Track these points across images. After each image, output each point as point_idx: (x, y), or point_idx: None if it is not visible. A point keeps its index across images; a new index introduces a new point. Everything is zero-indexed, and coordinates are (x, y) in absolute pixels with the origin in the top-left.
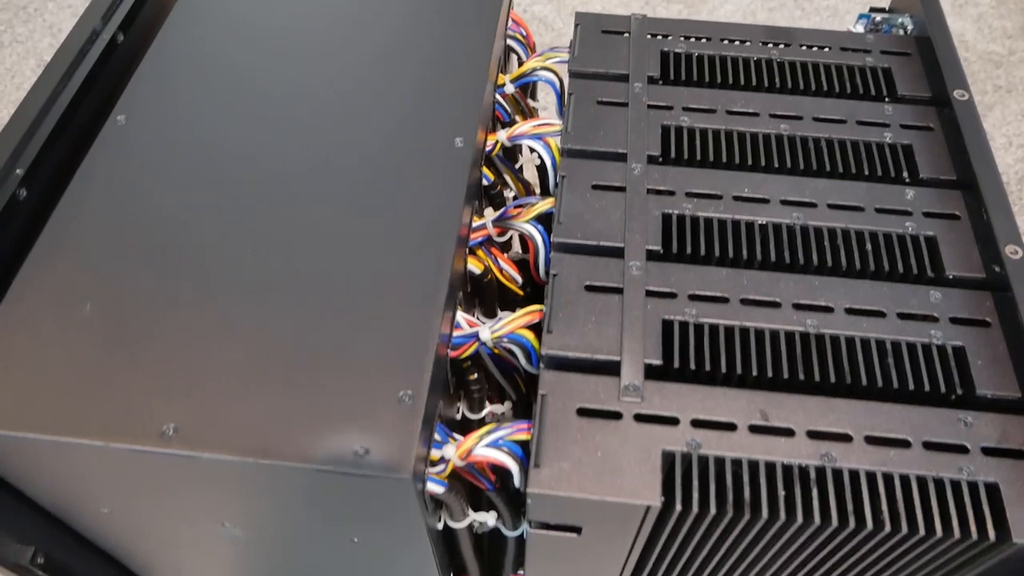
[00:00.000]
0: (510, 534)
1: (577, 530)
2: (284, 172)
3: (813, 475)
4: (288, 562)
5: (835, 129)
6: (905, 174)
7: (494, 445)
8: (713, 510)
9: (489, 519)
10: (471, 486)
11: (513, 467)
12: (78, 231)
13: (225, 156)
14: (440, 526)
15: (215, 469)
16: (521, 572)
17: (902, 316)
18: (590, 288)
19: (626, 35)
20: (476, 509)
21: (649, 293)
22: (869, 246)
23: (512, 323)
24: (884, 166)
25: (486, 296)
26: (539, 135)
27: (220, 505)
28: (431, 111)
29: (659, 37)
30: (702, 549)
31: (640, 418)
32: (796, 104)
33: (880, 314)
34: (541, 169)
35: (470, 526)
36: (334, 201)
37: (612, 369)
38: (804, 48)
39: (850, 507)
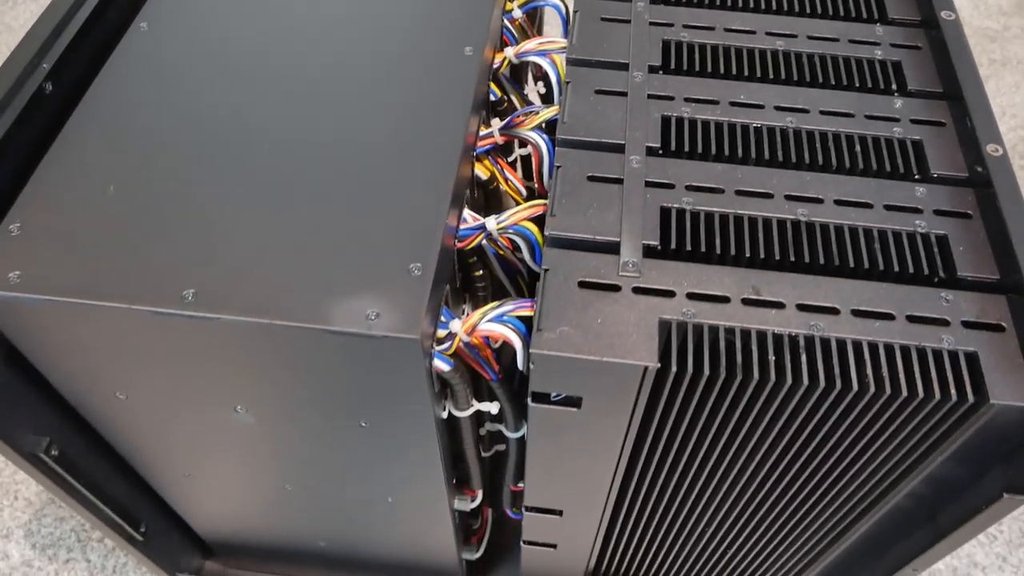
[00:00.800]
0: (511, 435)
1: (577, 403)
2: (301, 74)
3: (802, 343)
4: (297, 457)
5: (828, 47)
6: (894, 87)
7: (498, 320)
8: (707, 371)
9: (492, 408)
10: (475, 378)
11: (516, 342)
12: (101, 122)
13: (242, 59)
14: (445, 414)
15: (232, 334)
16: (521, 484)
17: (888, 207)
18: (592, 178)
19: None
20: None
21: (648, 183)
22: (858, 147)
23: (517, 215)
24: (874, 80)
25: (491, 205)
26: (544, 51)
27: (234, 385)
28: (444, 23)
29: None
30: (695, 426)
31: (638, 291)
32: (791, 23)
33: (868, 205)
34: (546, 93)
35: (475, 432)
36: (351, 99)
37: (612, 249)
38: None
39: (837, 371)
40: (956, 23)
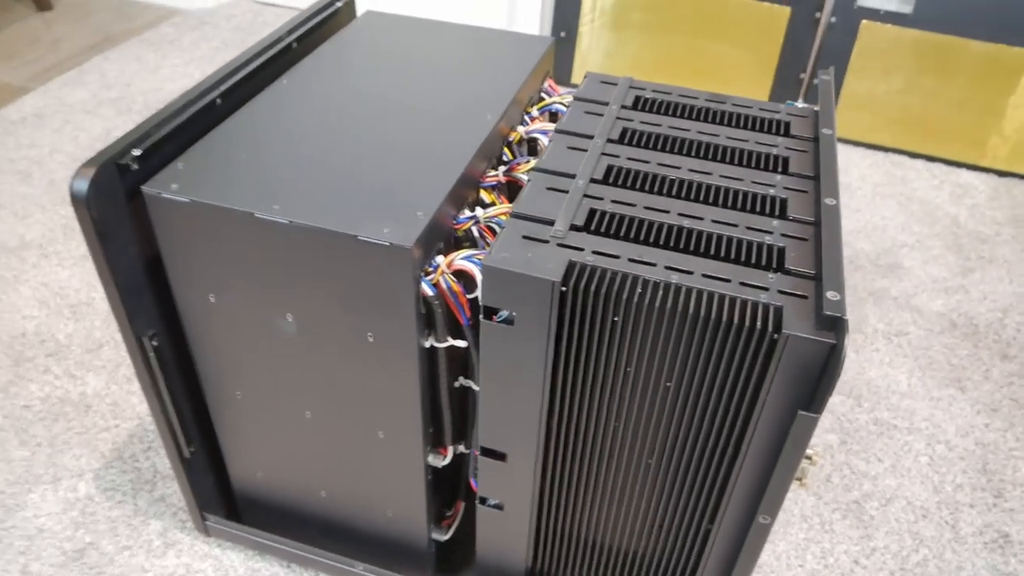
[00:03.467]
0: (477, 387)
1: (510, 322)
2: (379, 112)
3: (662, 288)
4: (318, 374)
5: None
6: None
7: (467, 259)
8: (594, 287)
9: (461, 343)
10: (452, 321)
11: (478, 275)
12: (245, 123)
13: (342, 101)
14: (427, 344)
15: (296, 236)
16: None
17: (749, 228)
18: (550, 188)
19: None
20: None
21: (586, 195)
22: (740, 201)
23: (497, 210)
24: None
25: None
26: (545, 131)
27: (289, 291)
28: (481, 101)
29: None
30: (591, 350)
31: (559, 245)
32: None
33: (735, 225)
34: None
35: (449, 383)
36: (408, 129)
37: (550, 223)
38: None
39: (691, 307)
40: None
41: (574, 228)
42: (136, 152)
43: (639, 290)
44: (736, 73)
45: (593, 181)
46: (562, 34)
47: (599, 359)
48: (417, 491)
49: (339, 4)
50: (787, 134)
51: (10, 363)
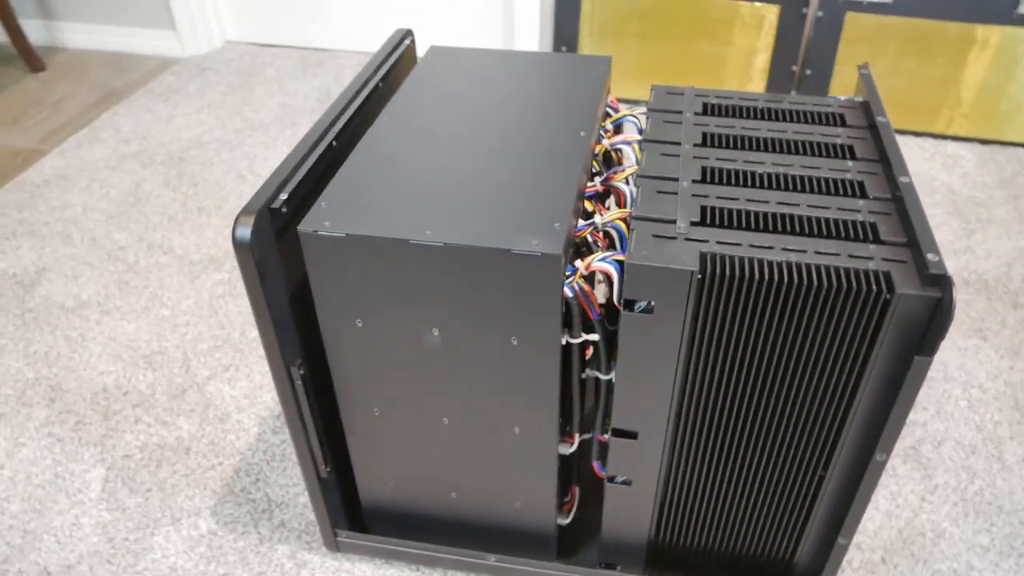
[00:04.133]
0: (603, 376)
1: (651, 311)
2: (484, 136)
3: (784, 267)
4: (460, 382)
5: (814, 172)
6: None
7: (603, 260)
8: (728, 274)
9: (594, 336)
10: (584, 319)
11: (614, 274)
12: (362, 161)
13: (441, 129)
14: (563, 341)
15: (450, 256)
16: (606, 436)
17: (840, 209)
18: (659, 191)
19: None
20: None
21: (693, 195)
22: (825, 186)
23: (613, 215)
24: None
25: None
26: (628, 142)
27: (436, 307)
28: (569, 119)
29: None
30: (724, 332)
31: (686, 239)
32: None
33: (827, 208)
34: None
35: (579, 374)
36: (518, 150)
37: (672, 222)
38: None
39: (812, 280)
40: (895, 145)
41: (693, 224)
42: (283, 196)
43: (765, 271)
44: (734, 71)
45: (695, 182)
46: (563, 48)
47: (731, 336)
48: (548, 479)
49: (407, 42)
50: (844, 124)
51: (99, 418)
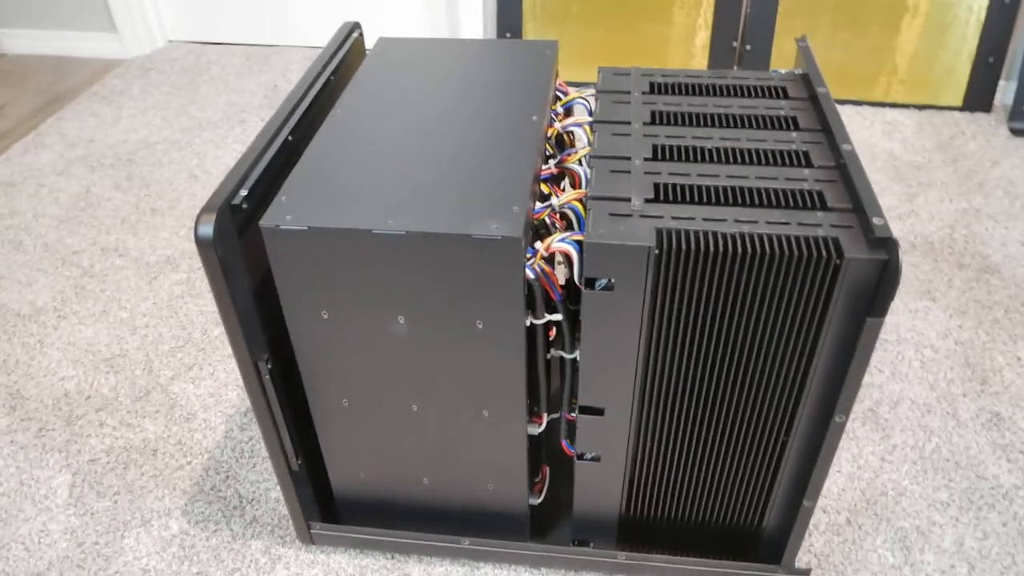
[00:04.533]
0: (568, 355)
1: (611, 288)
2: (440, 123)
3: (738, 238)
4: (427, 369)
5: (761, 145)
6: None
7: (563, 241)
8: (682, 247)
9: (557, 316)
10: (546, 299)
11: (574, 253)
12: (318, 154)
13: (394, 118)
14: (528, 322)
15: (411, 244)
16: (574, 415)
17: (788, 179)
18: (612, 171)
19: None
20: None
21: (645, 172)
22: (778, 158)
23: (570, 196)
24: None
25: None
26: (579, 124)
27: (401, 295)
28: (521, 104)
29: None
30: (682, 304)
31: (642, 216)
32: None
33: (775, 178)
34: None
35: (544, 355)
36: (471, 138)
37: (627, 200)
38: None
39: (764, 250)
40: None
41: (647, 201)
42: (243, 192)
43: (719, 243)
44: (677, 50)
45: (647, 160)
46: (507, 35)
47: (689, 309)
48: (519, 461)
49: (356, 35)
50: (786, 97)
51: (62, 423)
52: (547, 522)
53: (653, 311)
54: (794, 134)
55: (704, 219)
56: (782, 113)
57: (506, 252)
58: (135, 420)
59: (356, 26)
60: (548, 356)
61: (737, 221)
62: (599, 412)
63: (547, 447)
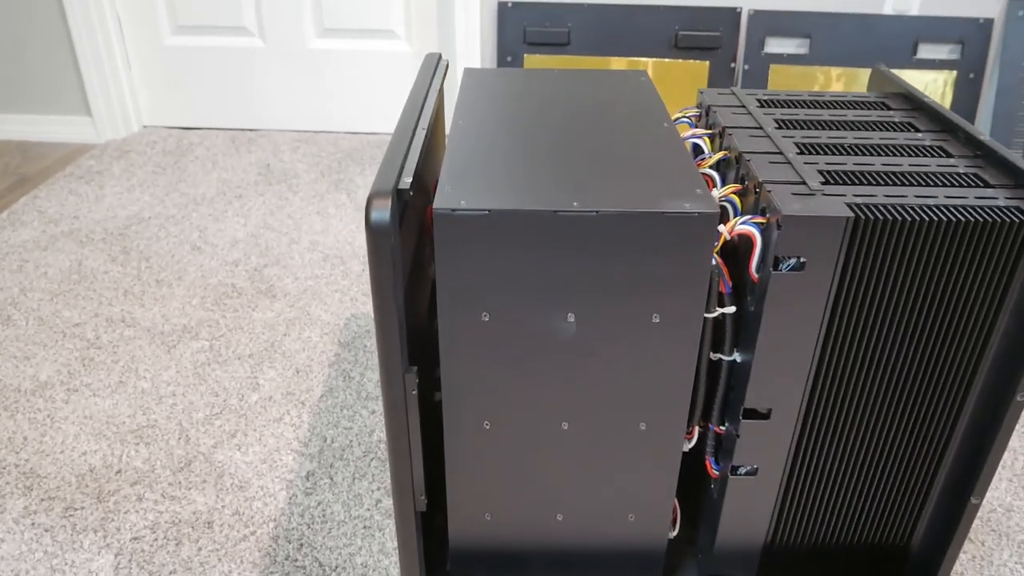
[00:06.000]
0: (727, 357)
1: (800, 267)
2: (584, 130)
3: (931, 211)
4: (588, 377)
5: (897, 141)
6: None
7: (745, 223)
8: (880, 218)
9: (729, 309)
10: None
11: (757, 235)
12: (469, 150)
13: (537, 122)
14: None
15: (598, 228)
16: (722, 427)
17: (940, 165)
18: (772, 162)
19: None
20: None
21: (805, 163)
22: (912, 150)
23: (728, 189)
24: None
25: None
26: (697, 136)
27: (573, 287)
28: (646, 113)
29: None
30: (872, 279)
31: (824, 196)
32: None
33: (927, 165)
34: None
35: (708, 356)
36: (618, 136)
37: (802, 183)
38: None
39: (958, 220)
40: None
41: (824, 183)
42: (408, 179)
43: (918, 213)
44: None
45: (798, 154)
46: (508, 59)
47: (878, 286)
48: (668, 483)
49: (444, 65)
50: (892, 108)
51: (92, 501)
52: (671, 562)
53: (840, 292)
54: (920, 134)
55: (885, 196)
56: (897, 119)
57: (700, 231)
58: (180, 492)
59: (440, 56)
60: (712, 358)
61: (918, 197)
62: (764, 416)
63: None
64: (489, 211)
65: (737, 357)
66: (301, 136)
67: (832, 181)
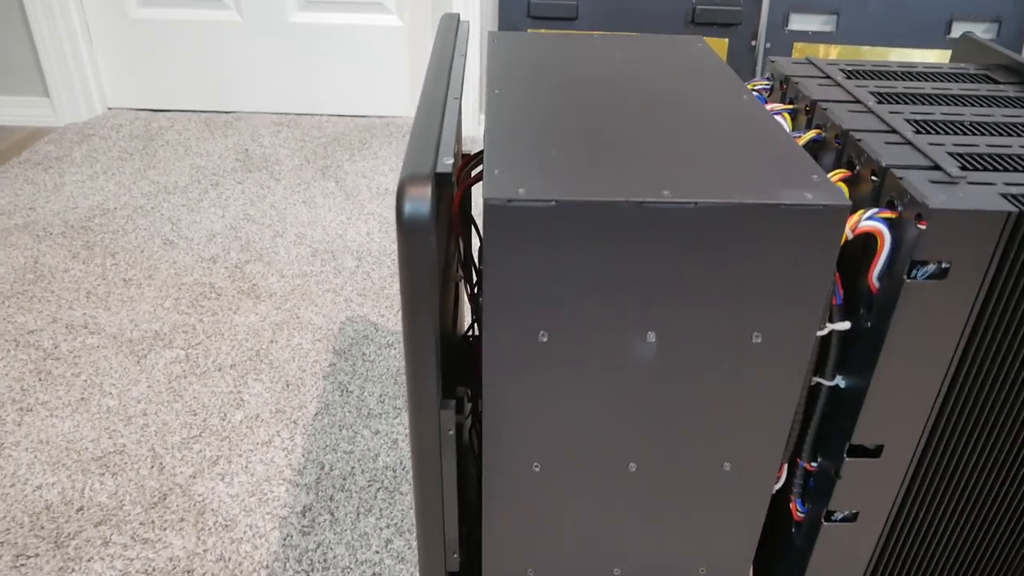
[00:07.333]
0: (827, 382)
1: (942, 274)
2: (648, 104)
3: None
4: (666, 408)
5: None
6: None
7: (871, 219)
8: None
9: (843, 325)
10: None
11: (886, 234)
12: (514, 126)
13: (590, 93)
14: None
15: (695, 223)
16: (814, 464)
17: None
18: (888, 142)
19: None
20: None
21: (930, 143)
22: None
23: (836, 175)
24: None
25: None
26: (778, 112)
27: (659, 298)
28: (718, 84)
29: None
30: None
31: (970, 184)
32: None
33: None
34: None
35: (808, 380)
36: (694, 111)
37: (936, 168)
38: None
39: None
40: None
41: (964, 169)
42: (448, 160)
43: None
44: None
45: (917, 133)
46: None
47: None
48: (751, 533)
49: (465, 20)
50: (996, 81)
51: (49, 546)
52: None
53: (986, 304)
54: None
55: None
56: (1012, 93)
57: (825, 228)
58: (153, 533)
59: (457, 16)
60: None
61: None
62: (874, 453)
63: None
64: (556, 202)
65: (840, 382)
66: (282, 119)
67: (970, 166)
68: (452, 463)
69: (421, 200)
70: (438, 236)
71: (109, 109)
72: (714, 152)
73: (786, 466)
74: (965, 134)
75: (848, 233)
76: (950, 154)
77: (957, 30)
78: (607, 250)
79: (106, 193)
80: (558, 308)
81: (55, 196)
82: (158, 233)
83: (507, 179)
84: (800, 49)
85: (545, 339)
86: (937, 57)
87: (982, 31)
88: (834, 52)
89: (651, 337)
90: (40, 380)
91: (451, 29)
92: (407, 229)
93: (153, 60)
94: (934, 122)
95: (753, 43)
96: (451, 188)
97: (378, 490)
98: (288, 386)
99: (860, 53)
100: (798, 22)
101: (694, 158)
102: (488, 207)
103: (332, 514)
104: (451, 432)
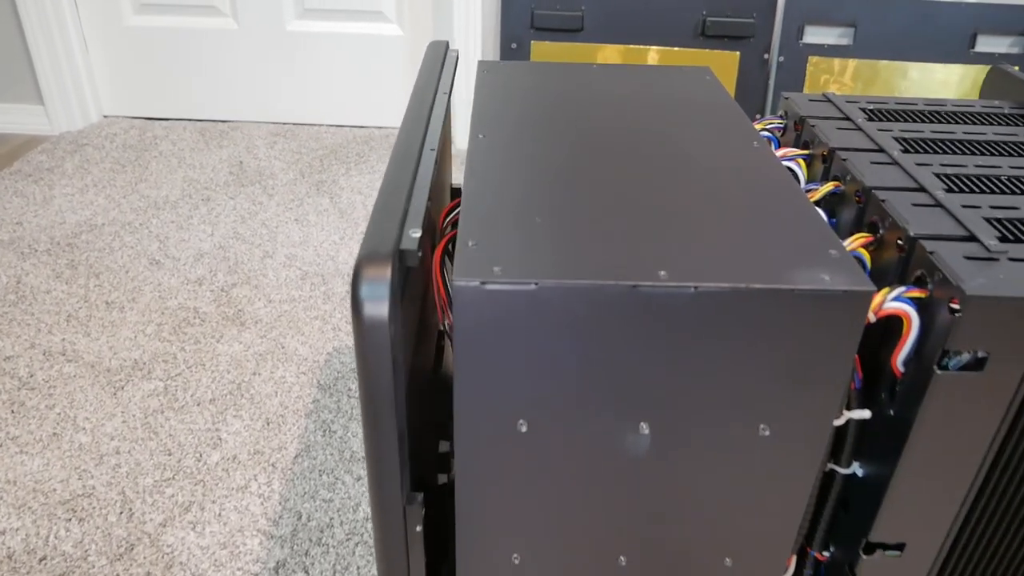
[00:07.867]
0: (842, 470)
1: (978, 365)
2: (641, 152)
3: None
4: (662, 501)
5: None
6: None
7: (897, 299)
8: None
9: (862, 414)
10: None
11: (914, 317)
12: (492, 188)
13: (572, 143)
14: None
15: (695, 309)
16: (826, 553)
17: None
18: (915, 204)
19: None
20: None
21: (963, 205)
22: None
23: (856, 241)
24: None
25: None
26: (790, 158)
27: (653, 385)
28: (725, 128)
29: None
30: None
31: (1011, 260)
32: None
33: None
34: None
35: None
36: (696, 164)
37: (971, 239)
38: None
39: None
40: None
41: (1003, 240)
42: (415, 233)
43: None
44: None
45: (948, 192)
46: (513, 45)
47: None
48: None
49: (455, 55)
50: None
51: None
52: None
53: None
54: None
55: None
56: None
57: (844, 315)
58: None
59: (447, 45)
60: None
61: None
62: (896, 548)
63: None
64: (537, 284)
65: (858, 470)
66: (279, 129)
67: (1011, 236)
68: (420, 561)
69: (379, 284)
70: (405, 317)
71: (104, 117)
72: (718, 221)
73: (795, 557)
74: (1003, 192)
75: (871, 316)
76: (987, 219)
77: (982, 44)
78: (596, 336)
79: (95, 208)
80: (540, 396)
81: (43, 210)
82: (145, 252)
83: (482, 255)
84: (815, 63)
85: (524, 428)
86: (960, 73)
87: (1008, 45)
88: (851, 66)
89: (644, 428)
90: (13, 412)
91: (437, 60)
92: (365, 321)
93: (149, 68)
94: (967, 176)
95: (766, 56)
96: (421, 260)
97: (356, 544)
98: (268, 424)
99: (878, 68)
100: (813, 35)
101: (695, 229)
102: (458, 291)
103: (306, 571)
104: (418, 528)
